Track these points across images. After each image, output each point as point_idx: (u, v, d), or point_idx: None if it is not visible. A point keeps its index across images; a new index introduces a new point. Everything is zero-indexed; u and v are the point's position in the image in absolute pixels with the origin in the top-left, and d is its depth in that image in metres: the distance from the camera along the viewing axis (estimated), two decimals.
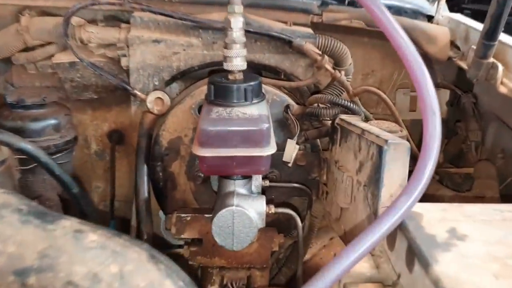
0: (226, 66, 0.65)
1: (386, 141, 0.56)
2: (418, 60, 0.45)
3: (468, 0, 4.39)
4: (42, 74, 0.97)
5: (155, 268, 0.45)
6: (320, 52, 0.88)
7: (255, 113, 0.62)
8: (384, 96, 0.91)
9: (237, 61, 0.66)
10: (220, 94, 0.64)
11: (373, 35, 1.00)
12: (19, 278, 0.43)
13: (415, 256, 0.45)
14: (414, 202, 0.44)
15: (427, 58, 0.98)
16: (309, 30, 0.90)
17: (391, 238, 0.51)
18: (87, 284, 0.42)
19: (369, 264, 0.53)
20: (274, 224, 0.76)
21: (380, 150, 0.57)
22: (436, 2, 1.07)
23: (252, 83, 0.65)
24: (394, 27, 0.47)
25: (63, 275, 0.43)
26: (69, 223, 0.47)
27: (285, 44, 0.87)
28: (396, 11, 1.05)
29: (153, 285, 0.43)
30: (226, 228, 0.58)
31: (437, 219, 0.50)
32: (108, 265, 0.44)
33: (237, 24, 0.64)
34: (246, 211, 0.58)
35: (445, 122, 1.01)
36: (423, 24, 1.00)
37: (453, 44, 1.01)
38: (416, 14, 1.07)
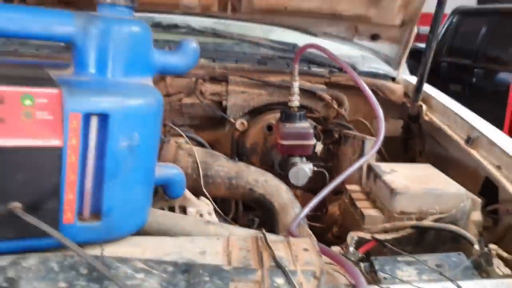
0: (290, 104, 1.48)
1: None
2: (373, 98, 1.27)
3: (445, 54, 5.44)
4: (171, 110, 1.79)
5: None
6: (330, 98, 1.72)
7: (305, 125, 1.44)
8: (365, 122, 1.75)
9: (295, 103, 1.49)
10: (288, 117, 1.46)
11: (358, 89, 1.86)
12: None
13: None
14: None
15: (390, 102, 1.83)
16: (324, 86, 1.75)
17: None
18: None
19: None
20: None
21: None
22: (397, 70, 1.94)
23: (302, 112, 1.48)
24: (363, 84, 1.30)
25: None
26: None
27: (312, 94, 1.72)
28: (373, 75, 1.92)
29: None
30: (296, 175, 1.38)
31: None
32: None
33: (296, 84, 1.48)
34: (304, 167, 1.38)
35: (400, 140, 1.84)
36: (388, 83, 1.86)
37: (406, 95, 1.87)
38: (385, 76, 1.94)
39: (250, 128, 1.68)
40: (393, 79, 1.93)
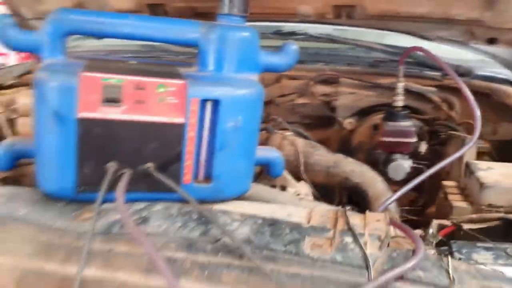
0: (394, 104, 1.61)
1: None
2: (471, 98, 1.34)
3: None
4: (284, 109, 2.01)
5: None
6: (440, 100, 1.80)
7: (407, 124, 1.56)
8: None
9: (399, 103, 1.61)
10: (391, 116, 1.59)
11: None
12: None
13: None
14: None
15: (505, 106, 1.84)
16: (434, 89, 1.83)
17: None
18: None
19: None
20: None
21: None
22: None
23: (405, 112, 1.60)
24: (463, 85, 1.38)
25: None
26: None
27: (421, 95, 1.81)
28: (489, 78, 1.94)
29: None
30: (395, 170, 1.50)
31: None
32: None
33: (401, 85, 1.60)
34: (403, 163, 1.50)
35: None
36: (504, 87, 1.87)
37: None
38: (504, 80, 1.95)
39: (358, 127, 1.83)
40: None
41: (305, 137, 1.65)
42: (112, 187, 0.92)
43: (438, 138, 1.74)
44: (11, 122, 1.69)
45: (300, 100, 1.94)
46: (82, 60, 1.04)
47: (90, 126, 0.94)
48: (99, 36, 1.10)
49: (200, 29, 1.09)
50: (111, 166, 0.95)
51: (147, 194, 1.00)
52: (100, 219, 0.93)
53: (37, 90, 0.94)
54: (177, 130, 0.98)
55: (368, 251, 0.84)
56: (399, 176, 1.51)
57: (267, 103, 2.01)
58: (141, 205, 0.98)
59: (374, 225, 0.93)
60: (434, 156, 1.78)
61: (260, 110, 1.08)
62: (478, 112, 1.35)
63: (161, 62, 1.24)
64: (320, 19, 2.00)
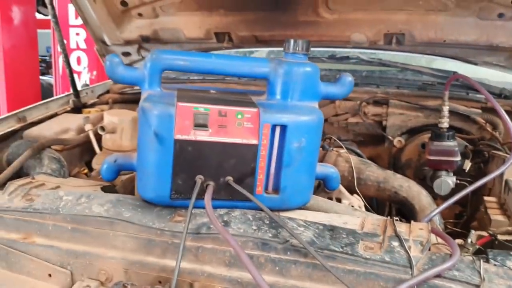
0: (440, 125, 1.76)
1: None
2: (508, 120, 1.48)
3: None
4: (339, 127, 2.19)
5: None
6: (484, 122, 1.93)
7: (452, 144, 1.71)
8: None
9: (444, 124, 1.76)
10: (437, 136, 1.74)
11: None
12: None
13: None
14: None
15: None
16: (479, 111, 1.96)
17: None
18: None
19: None
20: None
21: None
22: None
23: (450, 133, 1.75)
24: (500, 108, 1.52)
25: None
26: None
27: (466, 117, 1.95)
28: None
29: None
30: (440, 186, 1.65)
31: None
32: None
33: (446, 108, 1.75)
34: (448, 180, 1.65)
35: None
36: None
37: None
38: None
39: (407, 145, 1.99)
40: None
41: (358, 154, 1.82)
42: (200, 195, 1.14)
43: (482, 156, 1.87)
44: (99, 138, 1.96)
45: (353, 120, 2.12)
46: (174, 91, 1.27)
47: (184, 146, 1.16)
48: (187, 71, 1.31)
49: (269, 65, 1.30)
50: (199, 178, 1.17)
51: (227, 202, 1.21)
52: (191, 222, 1.14)
53: (142, 116, 1.17)
54: (252, 150, 1.18)
55: (411, 254, 1.01)
56: (443, 191, 1.66)
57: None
58: (222, 211, 1.19)
59: (418, 233, 1.09)
60: (478, 173, 1.91)
61: (320, 133, 1.27)
62: None
63: (235, 91, 1.45)
64: (372, 46, 2.18)
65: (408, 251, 1.02)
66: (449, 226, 1.63)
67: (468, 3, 1.91)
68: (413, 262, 0.99)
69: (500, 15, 1.90)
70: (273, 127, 1.20)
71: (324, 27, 2.14)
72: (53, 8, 2.17)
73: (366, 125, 2.08)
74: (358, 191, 1.57)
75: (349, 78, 1.36)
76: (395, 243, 1.06)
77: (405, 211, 1.57)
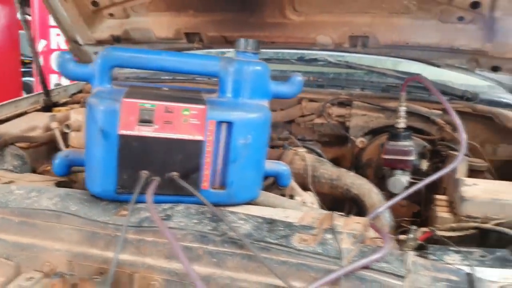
0: (397, 125, 1.79)
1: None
2: (458, 121, 1.51)
3: None
4: (305, 128, 2.22)
5: None
6: (444, 123, 1.96)
7: (407, 144, 1.74)
8: (476, 145, 1.94)
9: (401, 125, 1.79)
10: (394, 136, 1.78)
11: (477, 115, 2.05)
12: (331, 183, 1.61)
13: None
14: None
15: (507, 129, 1.98)
16: (439, 112, 2.00)
17: None
18: None
19: None
20: None
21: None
22: None
23: (406, 133, 1.78)
24: (451, 109, 1.56)
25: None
26: None
27: (426, 118, 1.98)
28: (494, 103, 2.09)
29: None
30: (394, 184, 1.69)
31: None
32: None
33: (402, 109, 1.79)
34: (401, 178, 1.68)
35: None
36: (504, 111, 2.01)
37: None
38: (508, 105, 2.10)
39: (368, 146, 2.02)
40: None
41: (317, 154, 1.85)
42: (144, 190, 1.16)
43: (440, 157, 1.90)
44: (65, 136, 1.97)
45: (319, 120, 2.15)
46: (124, 88, 1.30)
47: (128, 141, 1.18)
48: (138, 68, 1.34)
49: (220, 63, 1.33)
50: (144, 174, 1.19)
51: (173, 197, 1.23)
52: (134, 215, 1.17)
53: (89, 112, 1.20)
54: (198, 146, 1.21)
55: (343, 246, 1.04)
56: (397, 189, 1.69)
57: (290, 122, 2.23)
58: (167, 205, 1.21)
59: (353, 226, 1.12)
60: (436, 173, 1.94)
61: (267, 130, 1.30)
62: (464, 135, 1.51)
63: (189, 89, 1.48)
64: (337, 48, 2.22)
65: (340, 243, 1.05)
66: (403, 224, 1.65)
67: (429, 6, 1.95)
68: (344, 253, 1.02)
69: (460, 18, 1.94)
70: (219, 124, 1.22)
71: (291, 28, 2.18)
72: (22, 7, 2.19)
73: (330, 126, 2.11)
74: (312, 188, 1.60)
75: (298, 78, 1.39)
76: (329, 236, 1.09)
77: (358, 207, 1.60)
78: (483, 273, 1.10)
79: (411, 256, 1.04)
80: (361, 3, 2.02)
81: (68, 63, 1.29)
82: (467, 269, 1.05)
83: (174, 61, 1.33)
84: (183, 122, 1.21)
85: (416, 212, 1.90)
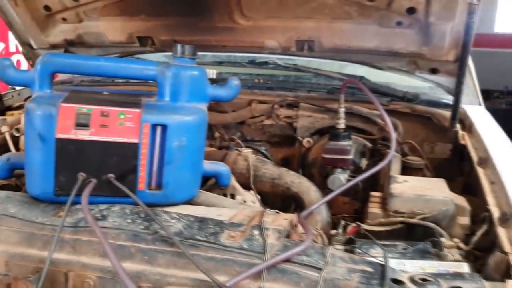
0: (337, 126, 1.87)
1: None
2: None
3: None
4: (255, 129, 2.28)
5: None
6: (384, 123, 2.05)
7: (345, 143, 1.82)
8: (415, 144, 2.03)
9: (341, 125, 1.87)
10: (334, 136, 1.85)
11: (416, 115, 2.14)
12: None
13: None
14: None
15: (443, 128, 2.08)
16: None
17: None
18: None
19: None
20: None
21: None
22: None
23: (346, 133, 1.86)
24: (382, 110, 1.64)
25: None
26: None
27: (367, 118, 2.07)
28: (432, 103, 2.19)
29: None
30: (333, 181, 1.76)
31: None
32: None
33: (342, 110, 1.86)
34: (340, 176, 1.76)
35: (451, 161, 2.07)
36: (442, 111, 2.11)
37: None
38: (446, 105, 2.20)
39: (313, 145, 2.09)
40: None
41: (263, 154, 1.91)
42: (81, 192, 1.20)
43: (379, 155, 1.98)
44: (17, 139, 1.99)
45: (268, 122, 2.21)
46: (65, 92, 1.33)
47: (65, 144, 1.22)
48: (77, 74, 1.38)
49: (158, 67, 1.37)
50: (81, 176, 1.23)
51: (109, 198, 1.27)
52: (71, 216, 1.20)
53: (27, 117, 1.23)
54: (133, 148, 1.26)
55: (268, 241, 1.10)
56: (335, 187, 1.76)
57: (240, 123, 2.29)
58: (104, 206, 1.25)
59: (280, 222, 1.19)
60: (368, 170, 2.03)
61: (203, 132, 1.35)
62: (394, 135, 1.60)
63: (130, 92, 1.52)
64: (285, 52, 2.28)
65: (265, 238, 1.11)
66: (344, 220, 1.72)
67: (369, 12, 2.03)
68: (268, 248, 1.08)
69: (399, 23, 2.02)
70: (154, 127, 1.27)
71: (240, 33, 2.23)
72: None
73: (279, 127, 2.18)
74: (253, 187, 1.66)
75: (235, 82, 1.45)
76: (256, 232, 1.15)
77: (297, 205, 1.67)
78: (401, 264, 1.18)
79: (331, 249, 1.11)
80: (306, 9, 2.09)
81: (8, 69, 1.31)
82: (382, 261, 1.12)
83: (112, 66, 1.37)
84: (118, 126, 1.25)
85: (356, 209, 1.99)
